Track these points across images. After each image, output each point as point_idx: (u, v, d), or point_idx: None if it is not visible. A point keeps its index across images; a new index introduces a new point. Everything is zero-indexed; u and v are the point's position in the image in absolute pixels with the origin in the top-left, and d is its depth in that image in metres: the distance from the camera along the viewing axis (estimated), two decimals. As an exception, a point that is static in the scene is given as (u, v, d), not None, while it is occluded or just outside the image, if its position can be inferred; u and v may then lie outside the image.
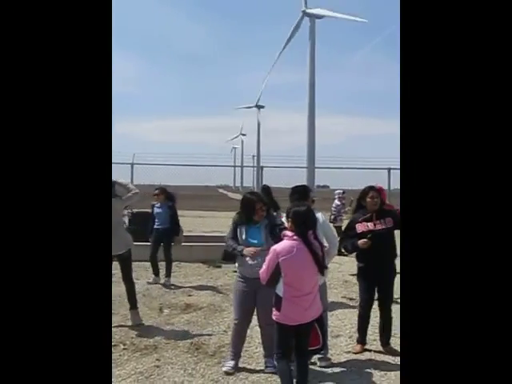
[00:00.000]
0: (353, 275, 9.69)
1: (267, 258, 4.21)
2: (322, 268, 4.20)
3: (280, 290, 4.11)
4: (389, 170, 14.31)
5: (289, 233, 4.15)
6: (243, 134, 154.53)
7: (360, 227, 5.88)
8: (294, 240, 4.08)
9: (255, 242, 5.08)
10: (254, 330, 5.76)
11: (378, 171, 16.61)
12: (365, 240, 5.69)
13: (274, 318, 4.19)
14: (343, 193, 15.33)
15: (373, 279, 5.95)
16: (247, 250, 5.02)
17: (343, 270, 11.34)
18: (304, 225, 4.15)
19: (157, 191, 9.98)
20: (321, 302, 4.35)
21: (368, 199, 6.02)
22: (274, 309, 4.16)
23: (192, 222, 18.00)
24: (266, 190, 9.15)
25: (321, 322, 4.44)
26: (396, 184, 14.50)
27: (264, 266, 4.22)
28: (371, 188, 6.16)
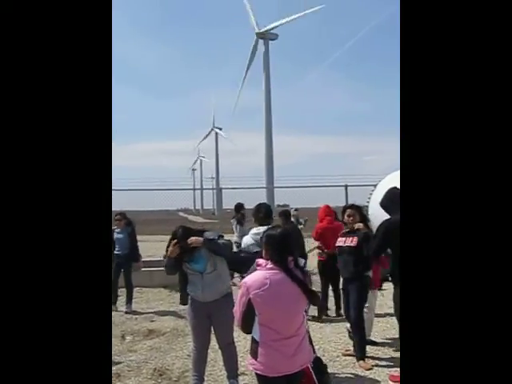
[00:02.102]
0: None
1: (238, 294, 3.40)
2: (313, 298, 3.41)
3: (256, 332, 3.27)
4: (346, 186, 14.59)
5: (262, 261, 3.34)
6: (202, 157, 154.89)
7: (338, 241, 6.62)
8: (269, 270, 3.27)
9: (197, 266, 4.92)
10: (218, 353, 5.74)
11: (335, 188, 16.88)
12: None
13: (250, 367, 3.36)
14: (295, 210, 15.77)
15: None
16: (190, 240, 4.79)
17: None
18: (280, 250, 3.34)
19: (117, 216, 9.88)
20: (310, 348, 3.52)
21: (345, 217, 6.64)
22: (249, 356, 3.36)
23: (153, 247, 17.84)
24: (286, 214, 9.69)
25: (316, 366, 3.87)
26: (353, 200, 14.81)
27: (235, 305, 3.42)
28: (349, 206, 6.86)
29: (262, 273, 3.28)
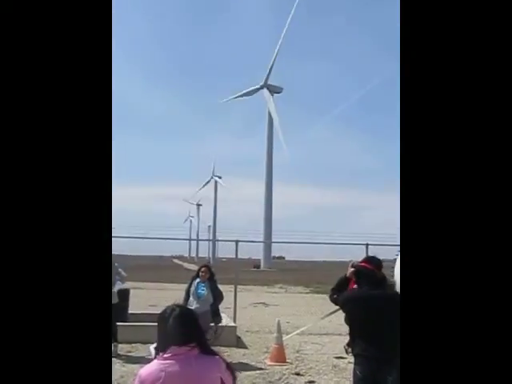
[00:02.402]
0: (339, 358, 8.95)
1: None
2: None
3: None
4: (367, 245, 14.18)
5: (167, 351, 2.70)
6: (199, 205, 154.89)
7: None
8: (164, 360, 2.67)
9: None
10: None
11: (330, 245, 17.02)
12: None
13: None
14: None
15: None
16: None
17: (327, 352, 9.80)
18: (171, 337, 2.70)
19: None
20: None
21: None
22: None
23: (154, 296, 17.42)
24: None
25: None
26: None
27: None
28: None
29: (157, 363, 2.68)
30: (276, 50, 73.33)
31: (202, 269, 8.63)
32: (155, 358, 2.70)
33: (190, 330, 2.73)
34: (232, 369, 2.85)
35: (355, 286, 4.73)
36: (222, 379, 2.75)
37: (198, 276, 8.45)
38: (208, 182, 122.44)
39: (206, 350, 2.73)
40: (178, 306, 2.89)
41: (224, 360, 2.82)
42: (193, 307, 8.27)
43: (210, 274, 8.55)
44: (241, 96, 78.78)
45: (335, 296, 4.68)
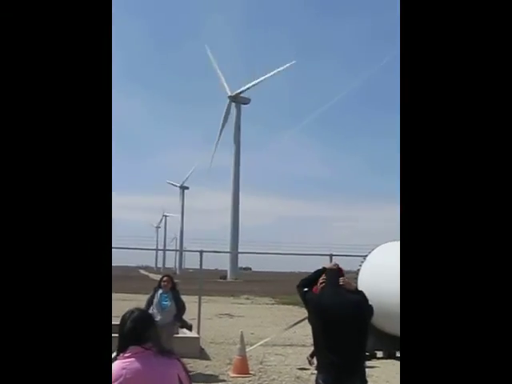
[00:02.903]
0: (302, 369, 9.03)
1: None
2: None
3: None
4: (330, 256, 14.15)
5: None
6: (166, 215, 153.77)
7: None
8: (125, 359, 2.83)
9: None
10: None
11: (297, 256, 17.13)
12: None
13: None
14: None
15: None
16: None
17: (290, 364, 9.81)
18: (129, 337, 2.89)
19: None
20: None
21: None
22: None
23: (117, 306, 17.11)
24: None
25: None
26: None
27: None
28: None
29: (119, 363, 2.83)
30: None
31: (164, 278, 8.45)
32: (115, 359, 2.82)
33: (146, 331, 2.91)
34: (187, 370, 3.06)
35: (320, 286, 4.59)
36: (179, 377, 2.93)
37: (160, 286, 8.25)
38: (179, 192, 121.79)
39: (163, 351, 2.91)
40: (137, 309, 3.08)
41: (180, 360, 3.00)
42: (157, 319, 8.15)
43: (173, 284, 8.36)
44: (222, 128, 78.82)
45: (305, 290, 4.52)
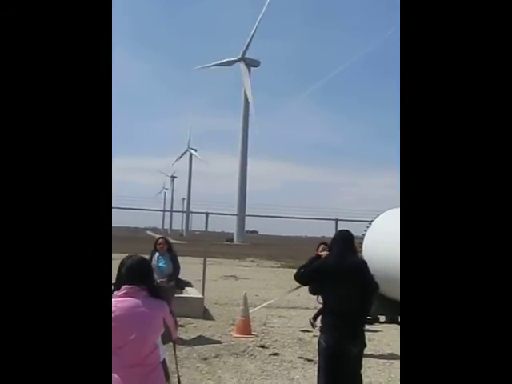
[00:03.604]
0: (304, 331, 9.20)
1: None
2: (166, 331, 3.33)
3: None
4: (336, 220, 14.20)
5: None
6: (174, 177, 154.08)
7: None
8: (118, 297, 3.11)
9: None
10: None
11: (303, 220, 17.12)
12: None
13: None
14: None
15: None
16: None
17: (293, 326, 9.93)
18: (130, 278, 3.19)
19: (160, 240, 8.78)
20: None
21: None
22: None
23: None
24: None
25: None
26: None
27: None
28: (322, 243, 7.04)
29: (112, 301, 3.04)
30: (256, 24, 72.38)
31: (159, 241, 8.35)
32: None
33: (141, 274, 3.21)
34: (174, 315, 3.38)
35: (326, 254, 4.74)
36: (164, 320, 3.21)
37: (156, 249, 8.17)
38: (183, 154, 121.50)
39: (154, 294, 3.19)
40: (134, 255, 3.41)
41: (168, 305, 3.28)
42: (156, 280, 8.25)
43: (168, 246, 8.31)
44: (217, 65, 77.88)
45: (302, 270, 4.62)
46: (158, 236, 8.90)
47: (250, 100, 71.62)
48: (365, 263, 4.52)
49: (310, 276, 4.55)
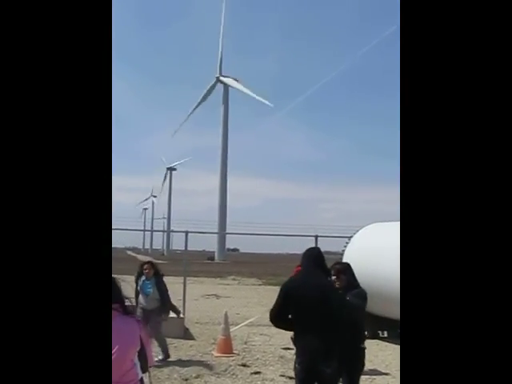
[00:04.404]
0: (286, 349, 9.00)
1: None
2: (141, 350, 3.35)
3: None
4: (316, 237, 14.11)
5: None
6: (154, 196, 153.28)
7: None
8: None
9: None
10: None
11: (285, 237, 17.17)
12: None
13: None
14: None
15: None
16: None
17: (274, 344, 9.84)
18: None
19: (146, 266, 8.66)
20: None
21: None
22: None
23: None
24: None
25: None
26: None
27: None
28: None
29: None
30: (220, 42, 73.46)
31: (145, 266, 8.30)
32: None
33: (113, 293, 3.11)
34: (148, 332, 3.37)
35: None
36: (141, 339, 3.22)
37: (142, 273, 8.14)
38: (165, 174, 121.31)
39: (128, 312, 3.22)
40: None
41: (140, 321, 3.34)
42: (142, 306, 8.14)
43: (155, 270, 8.27)
44: (198, 105, 78.47)
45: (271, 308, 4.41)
46: (143, 260, 8.85)
47: (248, 92, 72.30)
48: (330, 284, 4.46)
49: (280, 308, 4.31)
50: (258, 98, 72.50)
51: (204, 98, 77.37)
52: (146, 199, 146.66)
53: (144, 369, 3.32)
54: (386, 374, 7.98)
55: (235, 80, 75.72)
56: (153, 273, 8.15)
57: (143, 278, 8.12)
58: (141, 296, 8.11)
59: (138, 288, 8.10)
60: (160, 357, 7.99)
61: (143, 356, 3.33)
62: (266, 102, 73.26)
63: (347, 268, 5.46)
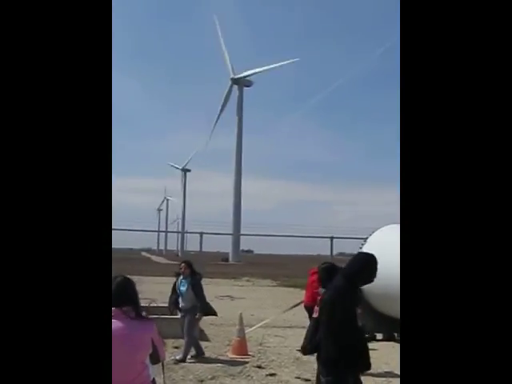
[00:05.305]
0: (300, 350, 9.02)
1: None
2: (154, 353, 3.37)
3: None
4: (331, 238, 14.23)
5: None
6: (167, 198, 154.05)
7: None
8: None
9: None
10: None
11: (299, 238, 17.09)
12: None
13: None
14: None
15: None
16: None
17: (289, 345, 9.65)
18: (115, 300, 3.17)
19: (183, 264, 8.84)
20: None
21: None
22: None
23: None
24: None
25: None
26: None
27: None
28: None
29: None
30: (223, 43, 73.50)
31: (181, 265, 8.51)
32: None
33: (125, 297, 3.24)
34: (159, 334, 3.39)
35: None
36: (153, 341, 3.26)
37: (180, 273, 8.43)
38: (182, 176, 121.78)
39: (140, 315, 3.25)
40: (120, 275, 3.42)
41: (154, 324, 3.34)
42: (180, 305, 8.35)
43: (191, 270, 8.39)
44: (221, 111, 78.61)
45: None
46: (181, 260, 9.07)
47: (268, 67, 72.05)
48: (329, 295, 4.29)
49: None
50: (282, 63, 71.86)
51: (225, 102, 77.46)
52: (162, 201, 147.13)
53: (154, 362, 3.36)
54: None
55: (249, 81, 75.92)
56: (189, 272, 8.30)
57: (181, 277, 8.35)
58: (179, 295, 8.36)
59: (177, 286, 8.38)
60: (177, 357, 8.04)
61: (155, 355, 3.34)
62: (291, 61, 72.28)
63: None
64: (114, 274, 3.15)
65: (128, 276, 3.50)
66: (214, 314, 8.52)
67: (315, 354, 4.41)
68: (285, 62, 73.30)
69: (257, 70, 73.95)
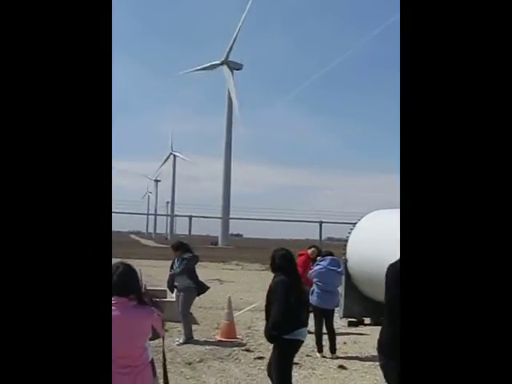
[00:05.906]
0: None
1: None
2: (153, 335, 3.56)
3: None
4: (320, 223, 14.36)
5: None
6: (157, 180, 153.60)
7: None
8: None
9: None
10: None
11: (288, 223, 17.15)
12: None
13: None
14: None
15: None
16: None
17: None
18: (118, 289, 3.29)
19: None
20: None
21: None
22: None
23: None
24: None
25: None
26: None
27: None
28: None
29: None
30: (239, 26, 72.17)
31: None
32: None
33: (128, 284, 3.37)
34: (162, 316, 3.62)
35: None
36: (153, 327, 3.47)
37: None
38: (167, 158, 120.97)
39: (142, 302, 3.40)
40: (121, 263, 3.50)
41: (156, 310, 3.50)
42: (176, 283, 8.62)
43: (183, 250, 8.67)
44: (200, 70, 77.47)
45: None
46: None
47: (234, 100, 71.31)
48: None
49: None
50: (234, 101, 71.82)
51: (206, 68, 76.82)
52: (150, 192, 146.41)
53: (152, 338, 3.57)
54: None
55: (239, 65, 75.28)
56: (179, 253, 8.58)
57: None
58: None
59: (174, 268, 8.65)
60: (180, 340, 8.16)
61: (155, 332, 3.53)
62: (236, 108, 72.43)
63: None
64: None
65: (129, 263, 3.57)
66: (207, 288, 8.84)
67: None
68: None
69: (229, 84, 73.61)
